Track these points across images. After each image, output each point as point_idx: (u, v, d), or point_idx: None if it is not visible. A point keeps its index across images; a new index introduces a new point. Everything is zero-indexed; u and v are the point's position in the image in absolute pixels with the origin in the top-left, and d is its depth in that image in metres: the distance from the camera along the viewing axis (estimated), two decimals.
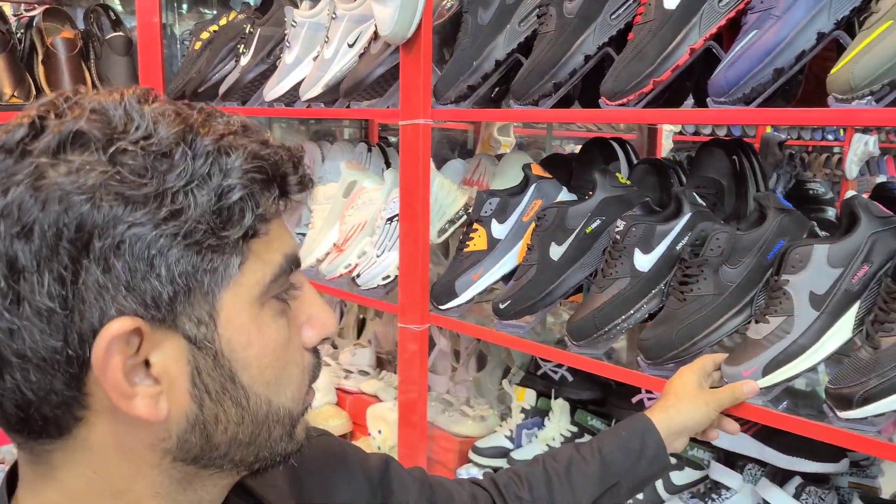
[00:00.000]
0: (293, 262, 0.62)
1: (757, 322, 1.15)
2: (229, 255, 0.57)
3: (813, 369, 1.11)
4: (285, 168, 0.60)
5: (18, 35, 2.52)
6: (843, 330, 1.09)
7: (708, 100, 1.15)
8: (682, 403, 1.08)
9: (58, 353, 0.53)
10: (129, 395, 0.55)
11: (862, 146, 4.99)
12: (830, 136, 5.69)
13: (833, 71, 1.02)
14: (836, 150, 5.51)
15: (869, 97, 0.97)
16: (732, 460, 1.43)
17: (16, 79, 2.25)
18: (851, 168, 5.03)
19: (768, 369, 1.11)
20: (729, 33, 1.20)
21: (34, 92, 2.29)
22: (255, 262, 0.59)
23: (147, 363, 0.56)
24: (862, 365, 1.03)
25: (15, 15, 3.33)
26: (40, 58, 2.35)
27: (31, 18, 2.60)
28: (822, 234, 1.21)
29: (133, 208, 0.53)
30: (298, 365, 0.64)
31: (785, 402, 1.15)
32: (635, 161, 1.65)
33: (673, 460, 1.41)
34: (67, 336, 0.53)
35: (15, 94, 2.22)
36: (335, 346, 2.31)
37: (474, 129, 2.77)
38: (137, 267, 0.53)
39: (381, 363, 2.18)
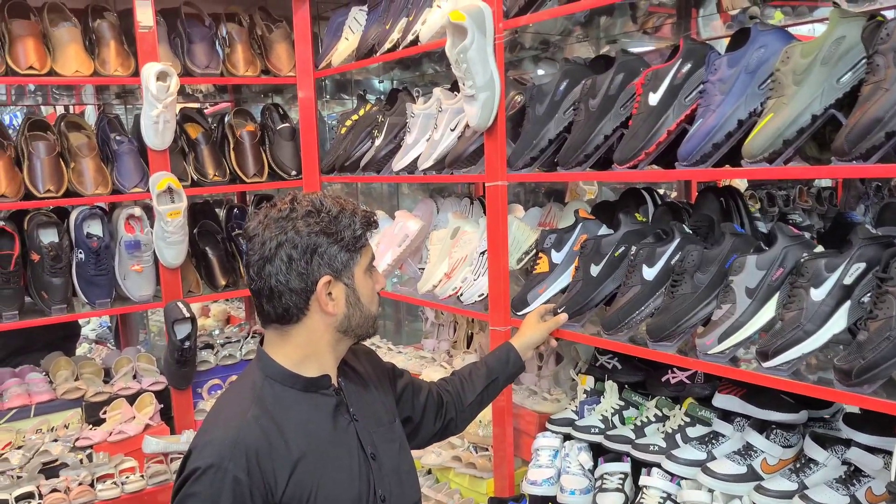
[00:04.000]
0: (373, 258, 1.60)
1: (716, 309, 1.72)
2: (357, 253, 1.53)
3: (750, 339, 1.67)
4: (372, 220, 1.56)
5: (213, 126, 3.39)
6: (768, 311, 1.65)
7: (676, 163, 1.75)
8: (526, 330, 2.06)
9: (303, 288, 1.48)
10: (325, 303, 1.50)
11: None
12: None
13: (745, 143, 1.60)
14: None
15: (762, 161, 1.55)
16: (728, 417, 1.96)
17: (216, 163, 3.10)
18: None
19: (721, 338, 1.68)
20: None
21: (228, 172, 3.12)
22: (364, 257, 1.56)
23: (331, 293, 1.46)
24: (775, 332, 1.59)
25: (202, 107, 4.29)
26: (231, 146, 3.19)
27: (223, 115, 3.47)
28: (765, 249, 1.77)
29: (327, 238, 1.49)
30: (375, 297, 1.61)
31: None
32: (659, 203, 2.24)
33: (528, 366, 2.16)
34: (307, 282, 1.48)
35: (216, 173, 3.07)
36: (450, 355, 2.98)
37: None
38: (331, 258, 1.48)
39: None
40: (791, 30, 2.08)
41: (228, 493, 1.37)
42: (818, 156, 1.68)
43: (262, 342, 1.58)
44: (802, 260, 1.59)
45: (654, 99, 1.82)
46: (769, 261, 1.65)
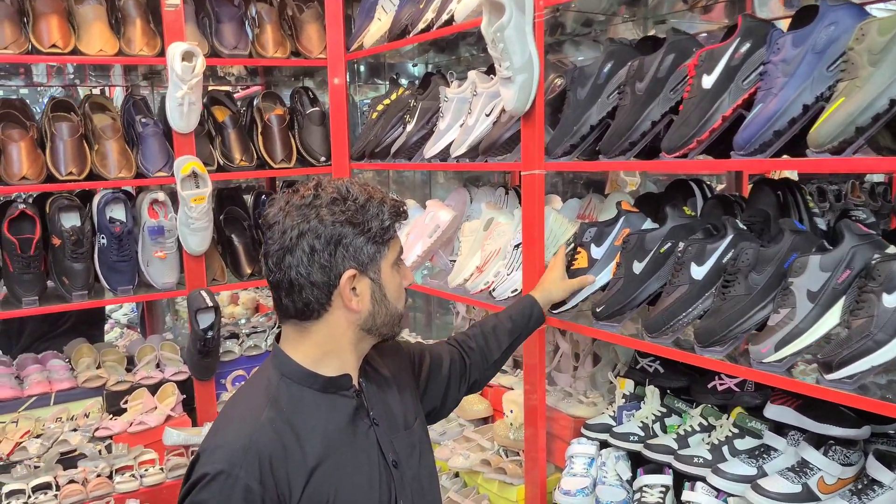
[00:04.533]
0: (401, 252, 1.46)
1: (773, 313, 1.57)
2: (384, 246, 1.40)
3: (810, 347, 1.51)
4: (402, 210, 1.43)
5: (242, 111, 3.29)
6: (832, 317, 1.49)
7: (731, 153, 1.60)
8: (550, 285, 2.00)
9: (325, 281, 1.35)
10: (349, 299, 1.37)
11: None
12: None
13: (811, 131, 1.44)
14: None
15: (827, 151, 1.39)
16: (781, 430, 1.81)
17: (243, 147, 3.00)
18: None
19: (779, 346, 1.52)
20: None
21: (255, 157, 3.02)
22: (392, 250, 1.42)
23: (355, 288, 1.36)
24: (840, 341, 1.43)
25: (234, 92, 4.20)
26: (259, 130, 3.09)
27: (252, 98, 3.38)
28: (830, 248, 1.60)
29: (353, 228, 1.36)
30: (403, 293, 1.48)
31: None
32: (709, 196, 2.08)
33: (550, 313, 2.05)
34: (330, 275, 1.35)
35: (243, 158, 2.97)
36: None
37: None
38: (357, 250, 1.35)
39: (517, 364, 2.69)
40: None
41: (239, 501, 1.26)
42: (892, 146, 1.51)
43: (278, 338, 1.46)
44: (874, 262, 1.43)
45: (708, 81, 1.66)
46: (835, 262, 1.49)
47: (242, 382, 2.99)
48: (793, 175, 2.78)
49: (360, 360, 1.48)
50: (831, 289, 1.49)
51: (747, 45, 1.62)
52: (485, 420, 2.66)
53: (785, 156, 1.60)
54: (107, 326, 5.33)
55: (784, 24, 1.71)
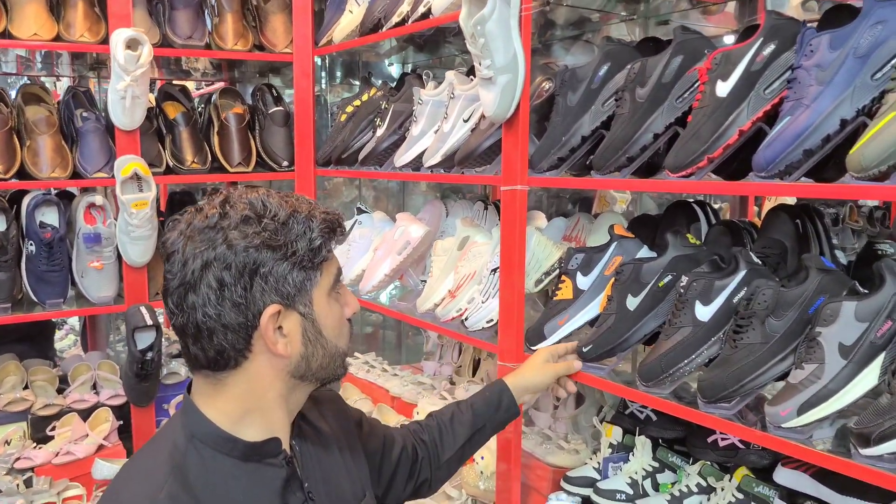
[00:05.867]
0: (339, 274, 1.19)
1: (795, 368, 1.31)
2: (315, 272, 1.11)
3: (843, 412, 1.25)
4: (336, 225, 1.13)
5: (199, 109, 3.01)
6: (868, 378, 1.23)
7: (750, 174, 1.34)
8: (527, 372, 1.65)
9: (241, 322, 1.06)
10: (274, 342, 1.08)
11: None
12: None
13: (851, 152, 1.19)
14: None
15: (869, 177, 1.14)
16: (794, 499, 1.55)
17: (195, 148, 2.71)
18: None
19: (802, 410, 1.26)
20: None
21: (210, 159, 2.74)
22: (326, 275, 1.14)
23: (281, 327, 1.08)
24: (881, 408, 1.17)
25: (197, 89, 3.92)
26: (216, 129, 2.80)
27: (210, 95, 3.09)
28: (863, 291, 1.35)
29: (272, 252, 1.06)
30: (345, 326, 1.20)
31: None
32: (714, 222, 1.82)
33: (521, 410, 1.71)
34: (247, 314, 1.06)
35: (195, 160, 2.68)
36: (452, 383, 2.57)
37: None
38: (278, 280, 1.06)
39: None
40: None
41: None
42: None
43: (189, 389, 1.18)
44: None
45: (723, 89, 1.40)
46: (874, 310, 1.23)
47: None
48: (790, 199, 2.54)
49: (293, 417, 1.20)
50: (868, 342, 1.24)
51: (772, 47, 1.36)
52: None
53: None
54: (61, 333, 5.02)
55: None
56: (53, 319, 3.40)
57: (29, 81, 2.80)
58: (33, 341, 2.94)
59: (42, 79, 3.35)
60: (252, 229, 1.06)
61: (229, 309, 1.05)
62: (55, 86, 4.16)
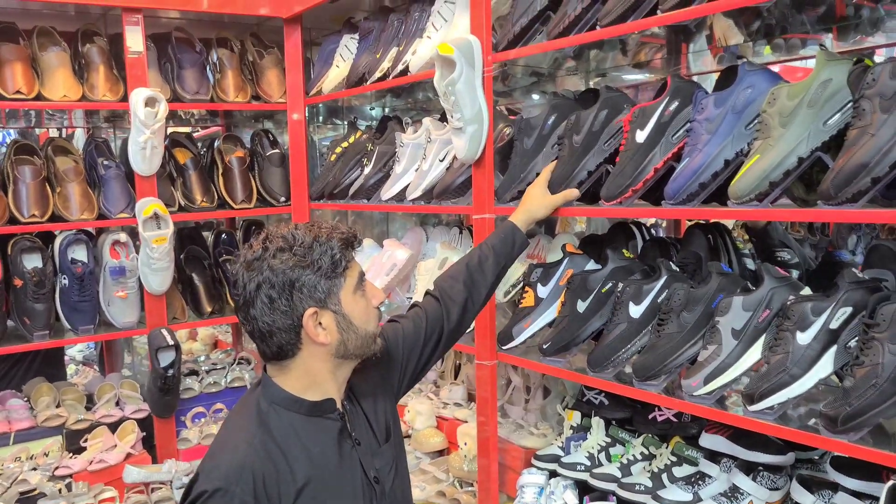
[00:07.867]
0: (362, 276, 1.54)
1: (702, 349, 1.70)
2: (339, 278, 1.47)
3: (737, 380, 1.64)
4: (352, 240, 1.49)
5: (202, 151, 3.37)
6: (755, 352, 1.63)
7: (662, 202, 1.74)
8: (531, 205, 2.00)
9: (290, 325, 1.44)
10: (316, 335, 1.45)
11: None
12: None
13: (731, 185, 1.59)
14: None
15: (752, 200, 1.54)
16: (715, 457, 1.94)
17: (203, 189, 3.08)
18: None
19: (707, 380, 1.66)
20: None
21: (216, 198, 3.10)
22: (349, 279, 1.49)
23: (320, 323, 1.44)
24: (762, 374, 1.57)
25: (193, 131, 4.27)
26: (220, 171, 3.17)
27: (213, 139, 3.46)
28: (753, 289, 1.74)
29: (304, 270, 1.44)
30: (372, 314, 1.54)
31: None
32: (647, 238, 2.22)
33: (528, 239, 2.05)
34: (293, 318, 1.43)
35: (204, 199, 3.05)
36: (437, 385, 2.94)
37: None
38: (311, 289, 1.44)
39: (471, 397, 2.79)
40: (785, 65, 2.09)
41: None
42: (805, 196, 1.67)
43: (265, 369, 1.57)
44: (789, 303, 1.57)
45: (641, 136, 1.81)
46: (755, 302, 1.63)
47: (203, 419, 3.05)
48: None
49: (343, 384, 1.58)
50: (753, 327, 1.63)
51: (676, 104, 1.77)
52: (440, 452, 2.75)
53: (714, 203, 1.75)
54: None
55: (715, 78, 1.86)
56: (64, 350, 3.73)
57: (20, 132, 3.10)
58: (44, 372, 3.23)
59: (58, 129, 3.70)
60: (286, 256, 1.43)
61: (280, 316, 1.43)
62: (61, 132, 4.49)
